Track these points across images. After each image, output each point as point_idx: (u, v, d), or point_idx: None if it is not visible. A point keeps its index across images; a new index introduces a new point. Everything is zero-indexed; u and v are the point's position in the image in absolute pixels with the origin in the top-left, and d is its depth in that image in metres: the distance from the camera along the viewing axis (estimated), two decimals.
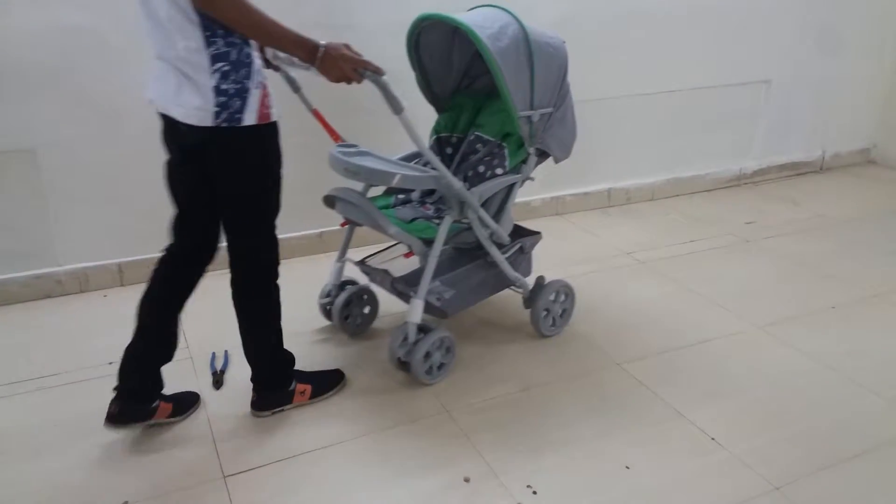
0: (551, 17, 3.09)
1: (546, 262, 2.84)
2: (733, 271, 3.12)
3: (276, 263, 2.02)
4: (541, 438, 2.05)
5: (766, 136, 4.22)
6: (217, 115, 1.71)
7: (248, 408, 2.16)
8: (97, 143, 2.72)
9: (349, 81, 1.85)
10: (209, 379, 2.31)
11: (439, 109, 2.60)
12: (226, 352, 2.44)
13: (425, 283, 2.19)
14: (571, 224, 3.58)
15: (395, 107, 1.90)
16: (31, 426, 2.09)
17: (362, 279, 2.57)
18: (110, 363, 2.38)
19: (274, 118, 1.81)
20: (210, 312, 2.70)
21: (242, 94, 1.72)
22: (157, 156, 2.81)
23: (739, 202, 3.97)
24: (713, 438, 2.05)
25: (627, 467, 1.94)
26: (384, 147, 2.34)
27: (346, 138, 2.29)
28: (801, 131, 4.35)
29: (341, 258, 2.50)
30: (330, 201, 2.28)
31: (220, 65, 1.69)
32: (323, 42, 1.78)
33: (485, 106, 2.54)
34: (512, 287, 2.52)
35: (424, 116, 2.54)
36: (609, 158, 3.68)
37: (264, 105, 1.77)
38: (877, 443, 2.05)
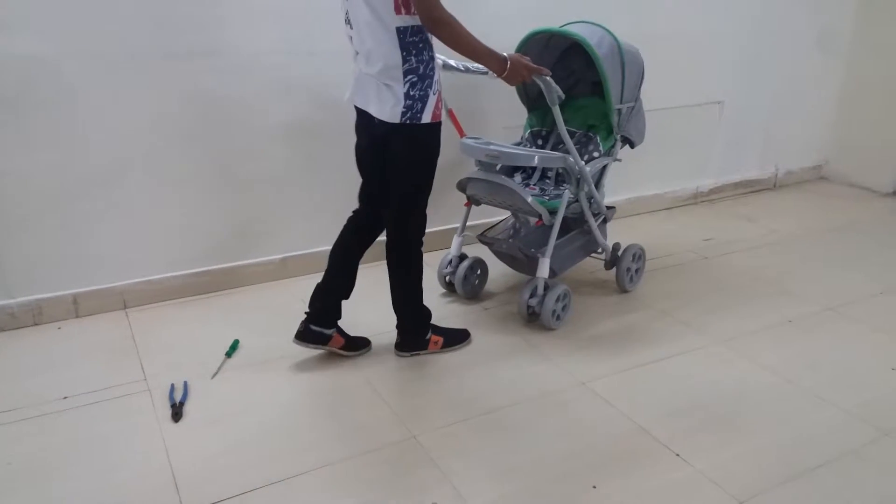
0: (509, 40, 3.13)
1: (510, 281, 2.94)
2: (692, 288, 3.17)
3: (423, 232, 2.43)
4: (510, 462, 2.04)
5: (721, 155, 4.32)
6: (403, 114, 2.18)
7: (208, 440, 2.11)
8: (50, 172, 2.65)
9: (522, 84, 2.52)
10: (168, 411, 2.25)
11: (529, 109, 3.09)
12: (185, 383, 2.39)
13: (551, 244, 2.68)
14: None
15: (553, 99, 2.47)
16: None
17: (472, 253, 3.04)
18: (65, 397, 2.32)
19: (441, 119, 2.26)
20: (166, 342, 2.67)
21: (424, 99, 2.19)
22: (112, 183, 2.78)
23: (697, 220, 4.04)
24: (678, 454, 2.07)
25: (594, 486, 1.93)
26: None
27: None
28: (755, 150, 4.47)
29: (461, 233, 2.96)
30: (462, 185, 2.77)
31: (410, 77, 2.16)
32: (506, 54, 2.27)
33: (567, 104, 2.95)
34: (593, 254, 3.02)
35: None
36: None
37: (437, 108, 2.23)
38: (838, 453, 2.08)
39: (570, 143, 2.63)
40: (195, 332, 2.75)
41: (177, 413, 2.23)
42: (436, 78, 2.21)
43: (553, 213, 2.68)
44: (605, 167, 2.90)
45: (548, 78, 2.43)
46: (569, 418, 2.24)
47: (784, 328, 2.82)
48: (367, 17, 2.13)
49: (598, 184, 2.88)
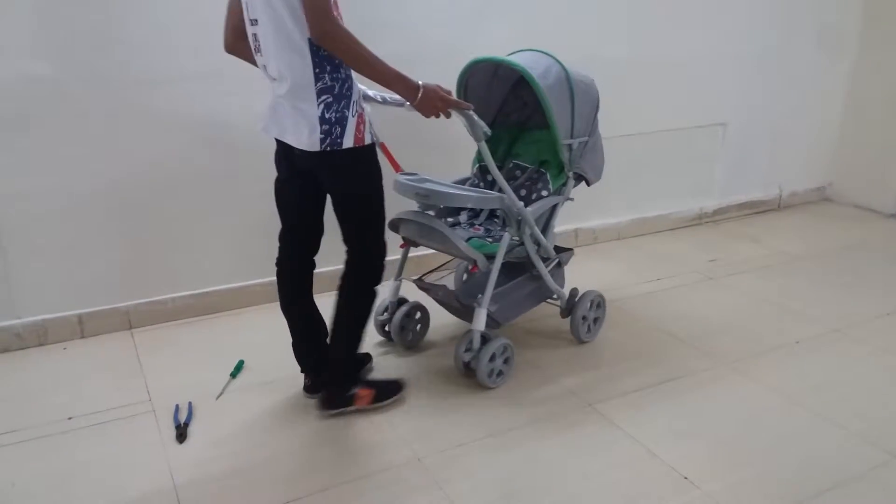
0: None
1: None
2: (699, 309, 3.16)
3: (378, 270, 2.22)
4: (514, 485, 2.02)
5: (725, 176, 4.33)
6: (323, 141, 1.97)
7: (212, 461, 2.10)
8: (55, 194, 2.68)
9: (438, 116, 2.13)
10: (172, 432, 2.24)
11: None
12: (189, 404, 2.38)
13: (488, 293, 2.42)
14: None
15: (478, 135, 2.24)
16: None
17: (413, 297, 2.78)
18: (70, 418, 2.31)
19: (368, 141, 2.06)
20: (171, 363, 2.67)
21: (342, 122, 1.98)
22: (116, 204, 2.80)
23: (701, 240, 4.04)
24: (686, 477, 2.05)
25: None
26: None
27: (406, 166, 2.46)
28: (759, 171, 4.47)
29: (398, 277, 2.70)
30: (394, 225, 2.49)
31: (324, 97, 1.96)
32: (421, 81, 2.04)
33: (519, 137, 2.83)
34: (549, 300, 2.75)
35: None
36: (576, 199, 3.70)
37: (359, 130, 2.02)
38: (845, 478, 2.06)
39: (502, 181, 2.39)
40: (200, 352, 2.75)
41: (181, 434, 2.22)
42: (354, 98, 2.02)
43: (493, 258, 2.43)
44: (555, 207, 2.65)
45: (470, 112, 2.18)
46: (575, 439, 2.23)
47: (790, 349, 2.81)
48: (274, 32, 1.93)
49: (547, 225, 2.63)
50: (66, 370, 2.62)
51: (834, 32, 4.39)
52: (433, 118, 2.12)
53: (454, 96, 2.17)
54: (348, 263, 2.20)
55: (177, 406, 2.37)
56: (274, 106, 2.08)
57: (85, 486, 2.00)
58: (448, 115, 2.15)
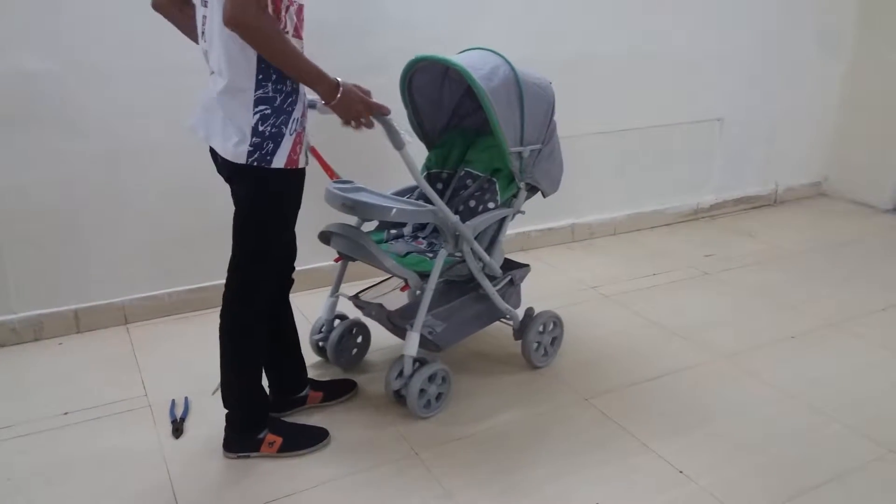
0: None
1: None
2: (695, 303, 3.17)
3: (262, 301, 2.00)
4: (512, 479, 2.02)
5: (722, 172, 4.33)
6: (250, 154, 1.78)
7: (209, 456, 2.10)
8: (51, 187, 2.67)
9: (358, 123, 1.92)
10: (168, 427, 2.24)
11: (430, 146, 2.65)
12: (186, 399, 2.38)
13: (421, 315, 2.22)
14: (537, 260, 3.61)
15: (397, 143, 2.00)
16: None
17: (353, 313, 2.58)
18: (66, 413, 2.31)
19: (301, 165, 1.87)
20: (167, 358, 2.66)
21: (276, 138, 1.79)
22: (113, 199, 2.79)
23: (698, 235, 4.04)
24: (681, 471, 2.05)
25: (597, 503, 1.92)
26: (377, 184, 2.38)
27: (342, 175, 2.33)
28: (755, 166, 4.48)
29: (335, 293, 2.51)
30: (325, 237, 2.31)
31: (262, 108, 1.78)
32: (339, 80, 1.83)
33: (474, 143, 2.62)
34: (502, 320, 2.54)
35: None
36: (572, 194, 3.71)
37: (294, 152, 1.83)
38: (841, 471, 2.07)
39: (432, 194, 2.18)
40: (196, 347, 2.73)
41: (177, 429, 2.22)
42: (296, 116, 1.83)
43: (425, 276, 2.23)
44: (503, 221, 2.43)
45: (388, 118, 1.95)
46: (572, 432, 2.23)
47: (787, 344, 2.81)
48: (220, 22, 1.70)
49: (493, 240, 2.41)
50: (61, 365, 2.62)
51: (831, 28, 4.39)
52: (352, 130, 1.91)
53: (373, 98, 1.95)
54: (224, 293, 1.99)
55: (173, 401, 2.36)
56: (206, 103, 1.86)
57: (81, 481, 2.00)
58: (370, 125, 1.94)
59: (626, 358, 2.69)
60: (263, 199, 1.88)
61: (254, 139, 1.78)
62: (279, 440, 2.10)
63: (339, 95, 1.82)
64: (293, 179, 1.89)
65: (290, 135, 1.82)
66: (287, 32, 1.78)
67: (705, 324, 2.96)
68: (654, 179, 4.08)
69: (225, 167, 1.88)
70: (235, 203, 1.94)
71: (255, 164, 1.79)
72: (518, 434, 2.22)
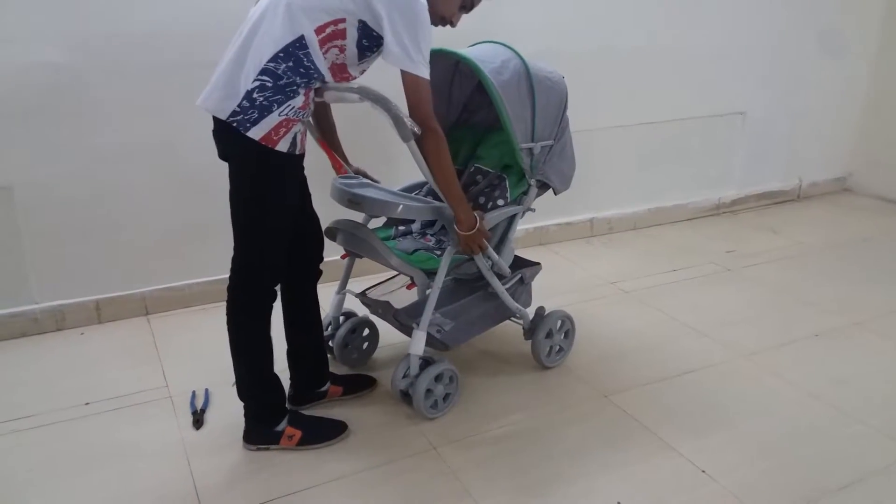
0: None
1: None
2: (716, 300, 3.13)
3: (258, 288, 2.00)
4: (531, 476, 2.01)
5: (744, 166, 4.28)
6: (234, 113, 1.79)
7: (229, 448, 2.11)
8: (74, 180, 2.68)
9: (475, 254, 2.19)
10: (189, 419, 2.25)
11: None
12: (206, 390, 2.39)
13: (427, 314, 2.18)
14: (555, 254, 3.59)
15: (405, 135, 1.94)
16: (4, 471, 2.02)
17: (362, 310, 2.56)
18: (87, 403, 2.33)
19: (279, 148, 1.84)
20: (188, 349, 2.68)
21: (264, 111, 1.79)
22: (134, 191, 2.80)
23: (719, 231, 4.00)
24: (703, 471, 2.03)
25: (619, 503, 1.91)
26: (386, 178, 2.36)
27: (349, 170, 2.30)
28: (778, 161, 4.42)
29: (341, 290, 2.47)
30: (332, 233, 2.27)
31: (265, 78, 1.78)
32: (479, 220, 2.10)
33: (484, 139, 2.55)
34: (512, 318, 2.50)
35: None
36: (591, 189, 3.70)
37: (276, 132, 1.82)
38: (864, 473, 2.04)
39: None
40: (216, 339, 2.69)
41: (198, 420, 2.23)
42: (293, 104, 1.82)
43: (432, 274, 2.19)
44: (513, 218, 2.37)
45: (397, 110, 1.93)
46: (592, 430, 2.22)
47: (810, 343, 2.78)
48: (284, 9, 1.79)
49: (502, 238, 2.35)
50: (83, 356, 2.64)
51: (856, 21, 4.31)
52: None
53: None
54: (230, 277, 2.02)
55: (193, 392, 2.37)
56: (219, 66, 1.87)
57: (102, 471, 2.01)
58: (485, 251, 2.19)
59: (647, 354, 2.66)
60: (247, 174, 1.88)
61: (243, 102, 1.79)
62: (298, 433, 2.10)
63: (474, 231, 2.09)
64: (270, 159, 1.85)
65: (279, 115, 1.81)
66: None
67: (727, 321, 2.93)
68: (675, 174, 4.04)
69: (219, 139, 1.90)
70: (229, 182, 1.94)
71: (234, 124, 1.79)
72: (537, 432, 2.21)
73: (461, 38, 2.51)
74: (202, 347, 2.69)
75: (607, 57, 3.57)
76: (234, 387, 2.11)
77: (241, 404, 2.11)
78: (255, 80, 1.78)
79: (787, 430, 2.23)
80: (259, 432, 2.10)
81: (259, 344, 2.05)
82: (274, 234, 1.95)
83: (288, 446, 2.10)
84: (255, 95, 1.78)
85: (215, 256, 2.98)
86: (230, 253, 2.91)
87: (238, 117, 1.79)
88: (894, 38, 4.35)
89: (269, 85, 1.79)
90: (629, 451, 2.12)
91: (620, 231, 3.94)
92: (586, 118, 3.57)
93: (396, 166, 2.63)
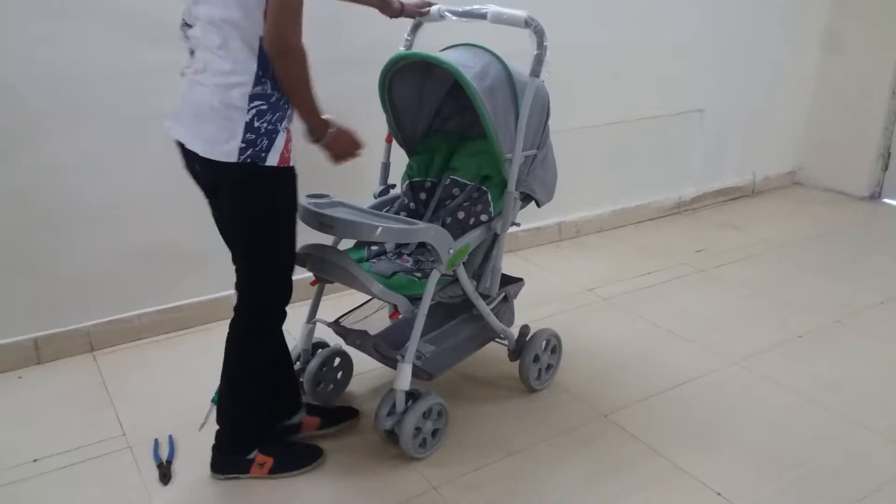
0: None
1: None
2: (696, 303, 3.07)
3: (277, 316, 1.91)
4: None
5: (703, 164, 4.26)
6: (243, 151, 1.67)
7: None
8: (5, 205, 2.38)
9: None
10: (154, 472, 2.00)
11: (410, 153, 2.40)
12: (170, 437, 2.14)
13: (413, 344, 2.00)
14: (527, 262, 3.46)
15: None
16: None
17: (331, 338, 2.34)
18: (35, 461, 2.05)
19: (292, 163, 1.77)
20: (143, 388, 2.42)
21: (271, 135, 1.70)
22: (71, 219, 2.52)
23: (684, 230, 3.96)
24: (719, 493, 1.94)
25: None
26: (356, 197, 2.17)
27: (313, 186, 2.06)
28: (733, 157, 4.42)
29: (311, 319, 2.25)
30: (301, 259, 2.02)
31: (258, 103, 1.68)
32: (327, 118, 1.78)
33: (459, 148, 2.36)
34: (496, 339, 2.34)
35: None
36: (558, 191, 3.56)
37: (287, 150, 1.73)
38: (880, 481, 1.98)
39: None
40: (174, 375, 2.50)
41: (165, 474, 1.99)
42: (289, 112, 1.74)
43: (415, 300, 2.00)
44: (496, 236, 2.20)
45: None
46: (595, 454, 2.09)
47: (795, 344, 2.73)
48: (222, 14, 1.62)
49: (487, 256, 2.19)
50: (23, 403, 2.34)
51: (804, 17, 4.35)
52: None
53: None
54: (236, 307, 1.89)
55: (156, 441, 2.12)
56: (186, 97, 1.73)
57: None
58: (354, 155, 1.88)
59: (639, 367, 2.56)
60: (259, 197, 1.76)
61: (247, 135, 1.67)
62: (270, 461, 1.97)
63: (328, 135, 1.78)
64: (288, 177, 1.78)
65: (283, 132, 1.72)
66: None
67: (711, 325, 2.86)
68: (637, 174, 3.98)
69: (208, 172, 1.75)
70: (224, 213, 1.83)
71: (249, 160, 1.67)
72: (541, 461, 2.07)
73: (431, 42, 2.34)
74: (158, 386, 2.43)
75: (568, 57, 3.43)
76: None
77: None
78: (249, 109, 1.67)
79: (795, 442, 2.16)
80: (228, 461, 1.96)
81: (261, 371, 1.93)
82: (285, 248, 1.85)
83: (259, 475, 1.96)
84: (256, 125, 1.68)
85: (163, 282, 2.75)
86: (180, 277, 2.65)
87: (249, 152, 1.67)
88: (840, 31, 4.41)
89: (265, 108, 1.69)
90: (639, 475, 2.01)
91: (587, 234, 3.85)
92: (553, 120, 3.46)
93: (366, 183, 2.43)
